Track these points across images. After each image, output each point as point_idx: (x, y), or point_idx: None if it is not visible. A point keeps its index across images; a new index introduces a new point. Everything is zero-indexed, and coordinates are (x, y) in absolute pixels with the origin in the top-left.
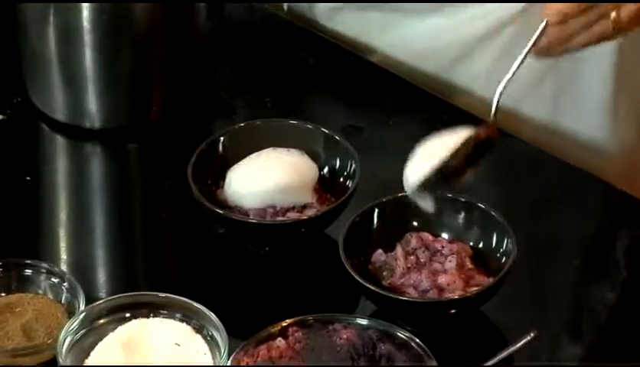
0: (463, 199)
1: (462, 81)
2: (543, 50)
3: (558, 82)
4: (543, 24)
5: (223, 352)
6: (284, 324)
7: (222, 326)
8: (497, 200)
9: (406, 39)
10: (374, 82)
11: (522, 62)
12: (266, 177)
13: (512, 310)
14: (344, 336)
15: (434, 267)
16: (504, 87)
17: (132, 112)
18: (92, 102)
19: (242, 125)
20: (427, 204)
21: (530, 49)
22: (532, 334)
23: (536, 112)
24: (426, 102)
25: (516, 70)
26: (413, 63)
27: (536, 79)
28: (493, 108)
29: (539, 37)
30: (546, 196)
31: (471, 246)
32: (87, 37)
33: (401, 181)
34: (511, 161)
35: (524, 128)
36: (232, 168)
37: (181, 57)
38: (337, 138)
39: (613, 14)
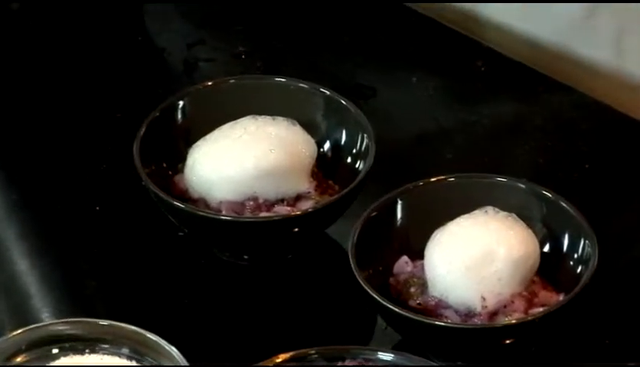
0: (522, 185)
1: (492, 13)
2: None
3: None
4: None
5: None
6: (277, 361)
7: (187, 365)
8: (569, 186)
9: None
10: (388, 21)
11: None
12: (243, 158)
13: (591, 339)
14: None
15: None
16: None
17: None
18: None
19: (208, 83)
20: None
21: None
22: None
23: None
24: (456, 45)
25: None
26: None
27: None
28: None
29: None
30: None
31: None
32: None
33: (430, 161)
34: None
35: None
36: (195, 145)
37: None
38: (342, 101)
39: None
